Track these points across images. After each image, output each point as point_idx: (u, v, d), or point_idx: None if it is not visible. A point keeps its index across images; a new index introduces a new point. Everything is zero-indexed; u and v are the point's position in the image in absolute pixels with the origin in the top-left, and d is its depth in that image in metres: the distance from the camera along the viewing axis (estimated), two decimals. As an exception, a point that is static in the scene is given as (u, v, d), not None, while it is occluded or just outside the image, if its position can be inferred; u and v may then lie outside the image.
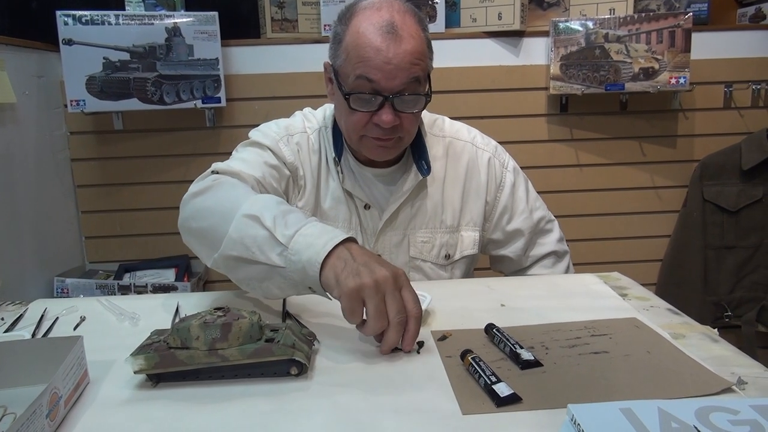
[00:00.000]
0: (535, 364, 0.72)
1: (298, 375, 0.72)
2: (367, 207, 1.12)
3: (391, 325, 0.73)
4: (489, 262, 1.29)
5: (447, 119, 1.23)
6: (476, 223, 1.18)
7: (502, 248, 1.21)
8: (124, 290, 1.82)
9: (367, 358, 0.77)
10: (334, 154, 1.11)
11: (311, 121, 1.17)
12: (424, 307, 0.87)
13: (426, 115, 1.20)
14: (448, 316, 0.90)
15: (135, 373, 0.70)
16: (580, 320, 0.86)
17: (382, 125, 0.99)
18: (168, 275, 1.93)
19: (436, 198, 1.15)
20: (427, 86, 1.02)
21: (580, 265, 2.04)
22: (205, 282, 2.06)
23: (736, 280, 2.05)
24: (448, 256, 1.16)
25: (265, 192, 1.01)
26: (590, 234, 2.14)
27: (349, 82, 0.99)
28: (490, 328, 0.82)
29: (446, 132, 1.19)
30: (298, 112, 1.20)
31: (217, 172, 1.01)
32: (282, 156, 1.10)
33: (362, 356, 0.78)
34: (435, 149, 1.16)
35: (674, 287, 2.09)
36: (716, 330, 0.83)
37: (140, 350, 0.72)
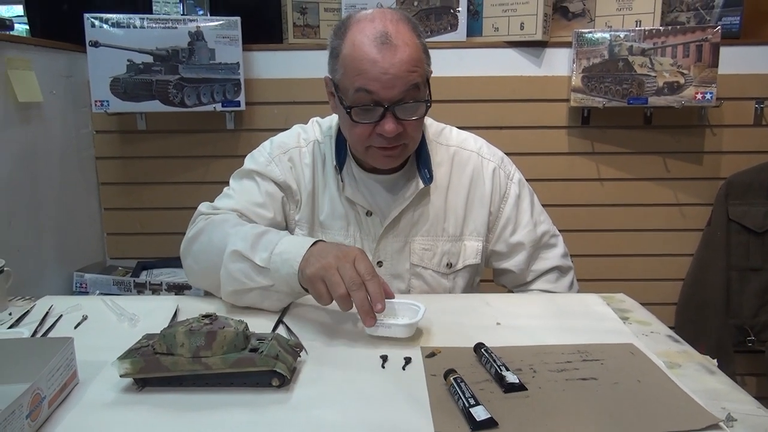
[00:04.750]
0: (519, 387, 0.71)
1: (279, 386, 0.72)
2: (368, 214, 1.12)
3: (349, 291, 0.81)
4: (492, 275, 1.27)
5: (454, 129, 1.22)
6: (480, 232, 1.17)
7: (504, 260, 1.19)
8: (140, 287, 1.85)
9: (354, 372, 0.77)
10: (335, 163, 1.12)
11: (308, 134, 1.18)
12: (417, 318, 0.87)
13: (433, 125, 1.20)
14: (440, 332, 0.90)
15: (121, 376, 0.72)
16: (573, 343, 0.84)
17: (385, 135, 1.00)
18: (183, 275, 1.95)
19: (438, 205, 1.14)
20: (427, 91, 1.03)
21: (598, 282, 2.00)
22: (219, 282, 2.09)
23: (761, 303, 1.97)
24: (449, 265, 1.15)
25: (248, 220, 1.09)
26: (610, 250, 2.09)
27: (349, 96, 1.00)
28: (478, 348, 0.80)
29: (452, 141, 1.19)
30: (296, 126, 1.22)
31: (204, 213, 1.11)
32: (273, 177, 1.14)
33: (349, 369, 0.78)
34: (440, 157, 1.16)
35: (695, 308, 2.02)
36: (715, 361, 0.80)
37: (128, 354, 0.73)
